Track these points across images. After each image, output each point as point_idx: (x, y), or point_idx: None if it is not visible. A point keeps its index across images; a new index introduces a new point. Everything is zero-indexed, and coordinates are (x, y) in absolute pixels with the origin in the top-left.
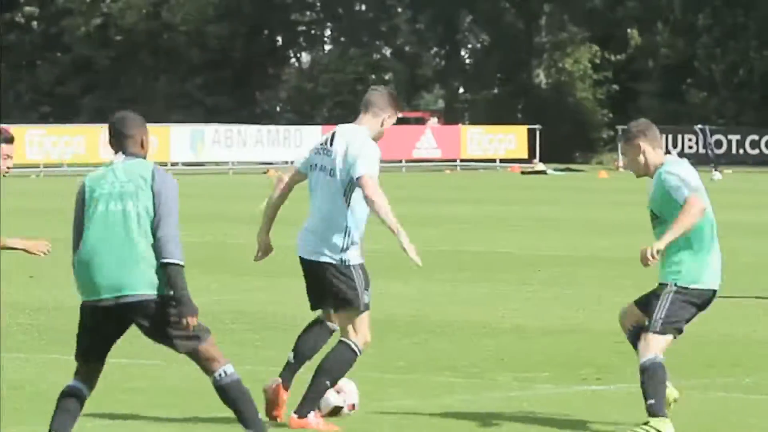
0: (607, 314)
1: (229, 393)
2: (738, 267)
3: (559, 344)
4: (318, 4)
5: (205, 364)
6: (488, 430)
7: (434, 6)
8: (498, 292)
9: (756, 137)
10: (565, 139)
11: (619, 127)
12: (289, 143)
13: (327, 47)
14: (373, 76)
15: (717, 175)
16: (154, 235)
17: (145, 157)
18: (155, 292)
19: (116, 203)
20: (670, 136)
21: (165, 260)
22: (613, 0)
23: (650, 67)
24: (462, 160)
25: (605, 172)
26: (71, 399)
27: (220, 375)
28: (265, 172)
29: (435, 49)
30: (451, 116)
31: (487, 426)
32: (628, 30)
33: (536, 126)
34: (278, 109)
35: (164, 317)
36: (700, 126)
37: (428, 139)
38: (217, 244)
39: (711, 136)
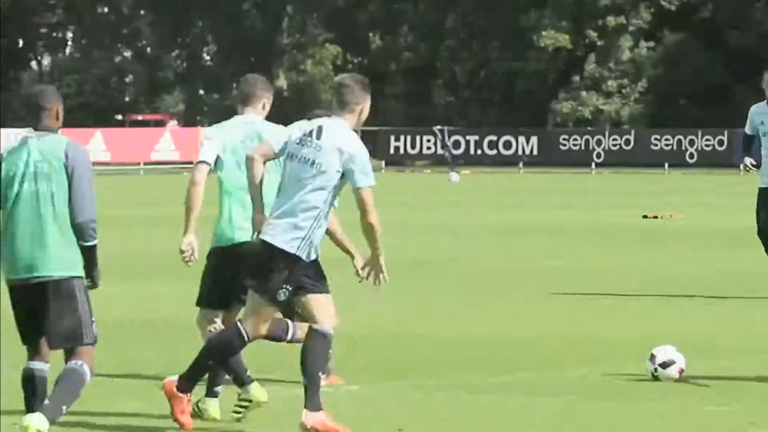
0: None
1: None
2: (481, 269)
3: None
4: (59, 7)
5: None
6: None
7: (175, 9)
8: None
9: (494, 138)
10: None
11: (360, 129)
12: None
13: (69, 50)
14: (115, 78)
15: (454, 176)
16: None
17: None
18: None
19: (30, 184)
20: (409, 137)
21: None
22: (356, 2)
23: (393, 70)
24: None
25: None
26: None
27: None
28: None
29: (177, 51)
30: (190, 119)
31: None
32: (369, 33)
33: (278, 125)
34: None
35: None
36: (438, 127)
37: (167, 142)
38: None
39: (449, 137)
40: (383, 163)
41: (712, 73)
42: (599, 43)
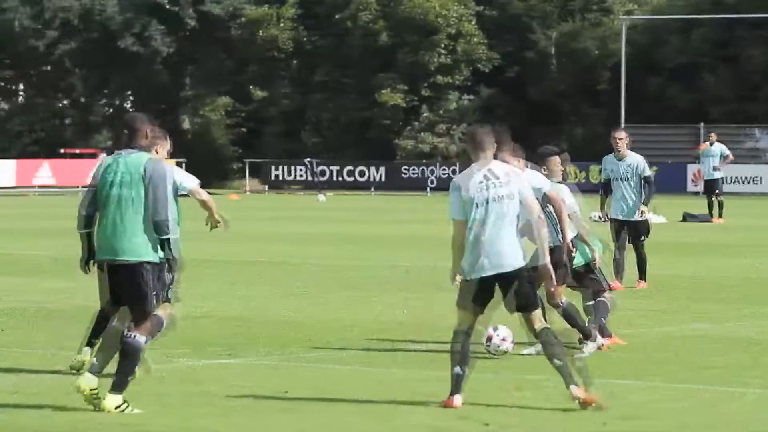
0: (230, 303)
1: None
2: (334, 267)
3: (194, 327)
4: (11, 66)
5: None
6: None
7: (100, 66)
8: None
9: (352, 167)
10: (205, 170)
11: (246, 161)
12: None
13: (20, 98)
14: (57, 120)
15: (322, 198)
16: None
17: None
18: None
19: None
20: (286, 168)
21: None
22: (240, 64)
23: (272, 114)
24: None
25: (236, 195)
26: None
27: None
28: None
29: (105, 101)
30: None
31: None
32: (251, 87)
33: (182, 159)
34: None
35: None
36: (308, 159)
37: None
38: None
39: (317, 166)
40: (266, 186)
41: (517, 119)
42: (432, 95)
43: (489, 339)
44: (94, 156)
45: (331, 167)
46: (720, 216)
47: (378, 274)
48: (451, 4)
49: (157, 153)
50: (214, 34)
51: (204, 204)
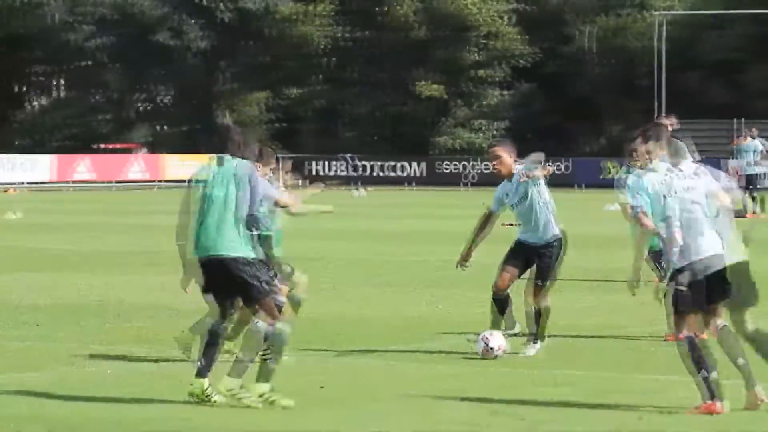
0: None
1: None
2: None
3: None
4: (48, 61)
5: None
6: (170, 388)
7: (136, 62)
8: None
9: (391, 162)
10: None
11: (281, 156)
12: (24, 168)
13: (57, 93)
14: (93, 116)
15: (358, 192)
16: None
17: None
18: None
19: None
20: (324, 163)
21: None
22: (275, 60)
23: (307, 110)
24: (163, 181)
25: None
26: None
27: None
28: (5, 191)
29: (142, 96)
30: (154, 147)
31: (173, 384)
32: (286, 83)
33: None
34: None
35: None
36: (347, 155)
37: (136, 165)
38: None
39: (355, 162)
40: (308, 182)
41: (555, 115)
42: (469, 90)
43: (487, 345)
44: (130, 151)
45: (371, 162)
46: (762, 211)
47: (415, 269)
48: (489, 1)
49: (258, 169)
50: (249, 30)
51: (292, 211)
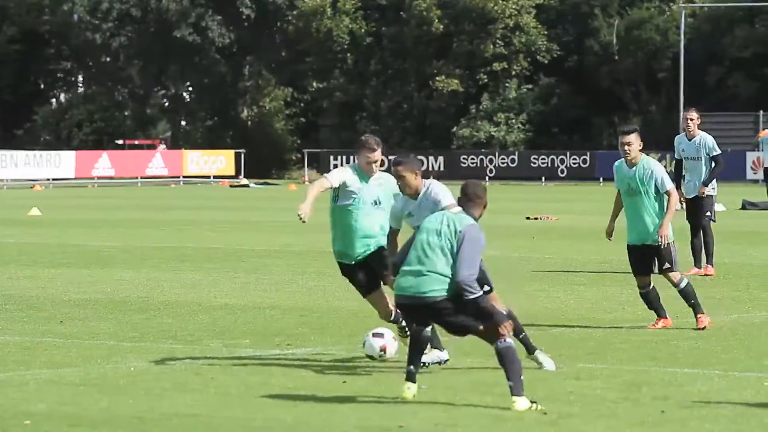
0: (297, 294)
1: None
2: None
3: (259, 318)
4: (71, 58)
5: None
6: (203, 384)
7: (158, 58)
8: (211, 278)
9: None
10: (264, 160)
11: (306, 151)
12: (48, 164)
13: (79, 89)
14: (117, 112)
15: None
16: None
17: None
18: None
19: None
20: (345, 157)
21: None
22: (297, 55)
23: (329, 104)
24: (184, 177)
25: (294, 185)
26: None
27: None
28: (32, 187)
29: (163, 92)
30: (175, 143)
31: (206, 380)
32: (308, 78)
33: (241, 150)
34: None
35: None
36: None
37: (158, 161)
38: None
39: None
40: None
41: (577, 108)
42: (490, 84)
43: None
44: (152, 147)
45: (390, 156)
46: None
47: None
48: None
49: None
50: (271, 25)
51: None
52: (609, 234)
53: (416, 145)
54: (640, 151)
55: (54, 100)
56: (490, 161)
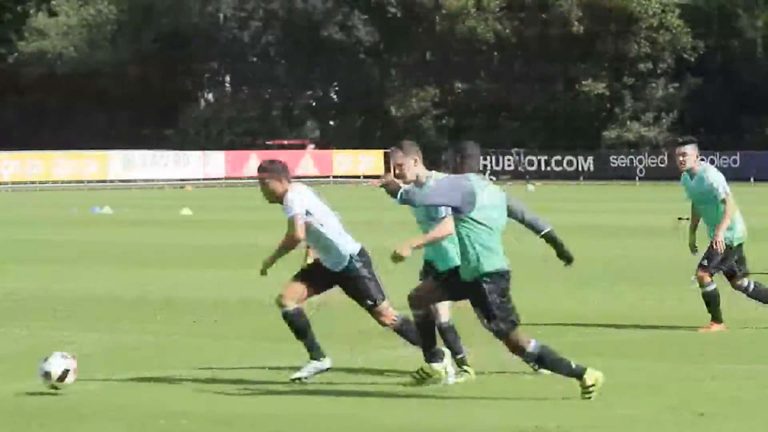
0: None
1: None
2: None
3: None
4: (217, 58)
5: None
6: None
7: (305, 57)
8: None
9: (559, 157)
10: None
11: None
12: (199, 164)
13: (227, 89)
14: (265, 112)
15: (530, 187)
16: None
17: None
18: None
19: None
20: (493, 158)
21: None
22: (443, 55)
23: (474, 107)
24: (333, 176)
25: None
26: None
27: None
28: (182, 187)
29: (310, 92)
30: (324, 143)
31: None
32: (454, 78)
33: (389, 149)
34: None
35: None
36: (516, 149)
37: (307, 161)
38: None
39: (524, 156)
40: None
41: (725, 107)
42: (635, 84)
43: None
44: (301, 147)
45: (539, 157)
46: None
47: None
48: None
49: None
50: (417, 25)
51: None
52: (692, 247)
53: (561, 146)
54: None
55: (202, 100)
56: (640, 161)
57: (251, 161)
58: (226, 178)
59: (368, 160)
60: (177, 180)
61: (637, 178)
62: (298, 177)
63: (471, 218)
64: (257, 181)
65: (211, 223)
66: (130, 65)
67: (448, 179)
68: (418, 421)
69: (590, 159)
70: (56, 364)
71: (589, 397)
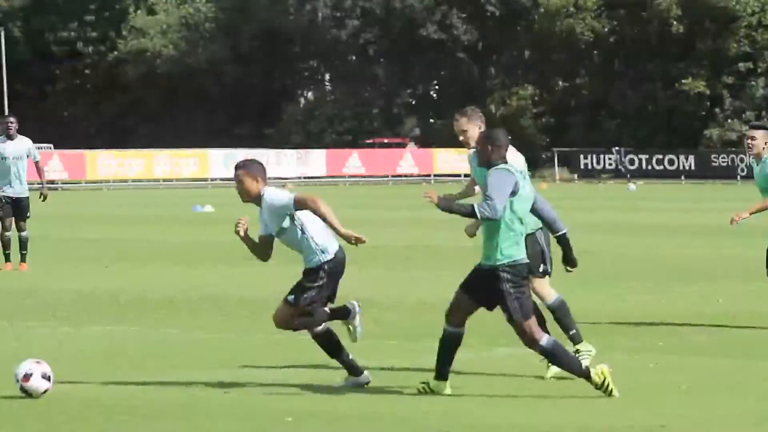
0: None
1: None
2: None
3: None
4: (316, 57)
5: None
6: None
7: (404, 56)
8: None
9: (660, 156)
10: None
11: (555, 150)
12: (299, 163)
13: (326, 88)
14: (364, 111)
15: (632, 187)
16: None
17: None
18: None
19: None
20: (594, 156)
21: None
22: (543, 53)
23: (573, 105)
24: (435, 175)
25: (545, 184)
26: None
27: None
28: (283, 186)
29: (409, 90)
30: (425, 141)
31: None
32: (554, 77)
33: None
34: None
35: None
36: (616, 148)
37: (408, 159)
38: None
39: (625, 155)
40: (576, 175)
41: None
42: (735, 83)
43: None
44: (401, 145)
45: (640, 156)
46: None
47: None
48: None
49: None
50: (516, 23)
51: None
52: None
53: (663, 145)
54: None
55: (301, 98)
56: (741, 160)
57: (351, 160)
58: (327, 176)
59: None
60: (278, 178)
61: (738, 177)
62: (399, 176)
63: (510, 208)
64: (234, 179)
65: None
66: (229, 64)
67: (500, 173)
68: (508, 418)
69: (691, 158)
70: (25, 367)
71: (611, 392)
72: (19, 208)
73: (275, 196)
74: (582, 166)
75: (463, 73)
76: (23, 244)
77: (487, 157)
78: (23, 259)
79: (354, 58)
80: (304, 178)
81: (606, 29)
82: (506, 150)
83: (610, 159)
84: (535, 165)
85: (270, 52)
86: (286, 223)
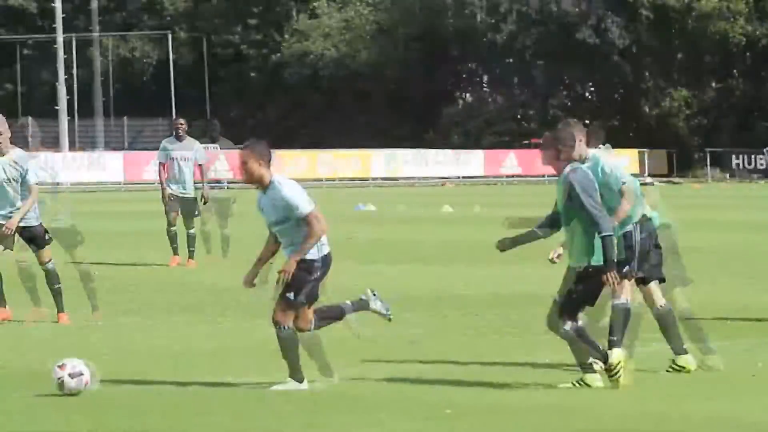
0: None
1: None
2: None
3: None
4: (475, 59)
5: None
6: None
7: (559, 59)
8: None
9: None
10: (668, 158)
11: (708, 150)
12: (458, 162)
13: (485, 90)
14: (521, 112)
15: None
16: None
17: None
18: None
19: None
20: (745, 156)
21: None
22: (696, 56)
23: (725, 107)
24: None
25: (698, 185)
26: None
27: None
28: (442, 185)
29: (565, 92)
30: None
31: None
32: (707, 79)
33: (644, 149)
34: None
35: None
36: (767, 149)
37: None
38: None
39: None
40: (727, 175)
41: None
42: None
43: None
44: None
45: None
46: None
47: None
48: None
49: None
50: (669, 27)
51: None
52: None
53: None
54: None
55: (460, 100)
56: None
57: (508, 160)
58: (485, 176)
59: (623, 159)
60: (437, 177)
61: None
62: (554, 176)
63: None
64: (239, 159)
65: (470, 220)
66: (390, 66)
67: (584, 174)
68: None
69: None
70: (72, 365)
71: (618, 377)
72: (186, 206)
73: (291, 193)
74: (734, 167)
75: (619, 76)
76: (191, 241)
77: (554, 157)
78: (191, 255)
79: (511, 60)
80: (463, 177)
81: (758, 32)
82: (577, 149)
83: (761, 159)
84: (687, 165)
85: (430, 54)
86: (289, 216)
